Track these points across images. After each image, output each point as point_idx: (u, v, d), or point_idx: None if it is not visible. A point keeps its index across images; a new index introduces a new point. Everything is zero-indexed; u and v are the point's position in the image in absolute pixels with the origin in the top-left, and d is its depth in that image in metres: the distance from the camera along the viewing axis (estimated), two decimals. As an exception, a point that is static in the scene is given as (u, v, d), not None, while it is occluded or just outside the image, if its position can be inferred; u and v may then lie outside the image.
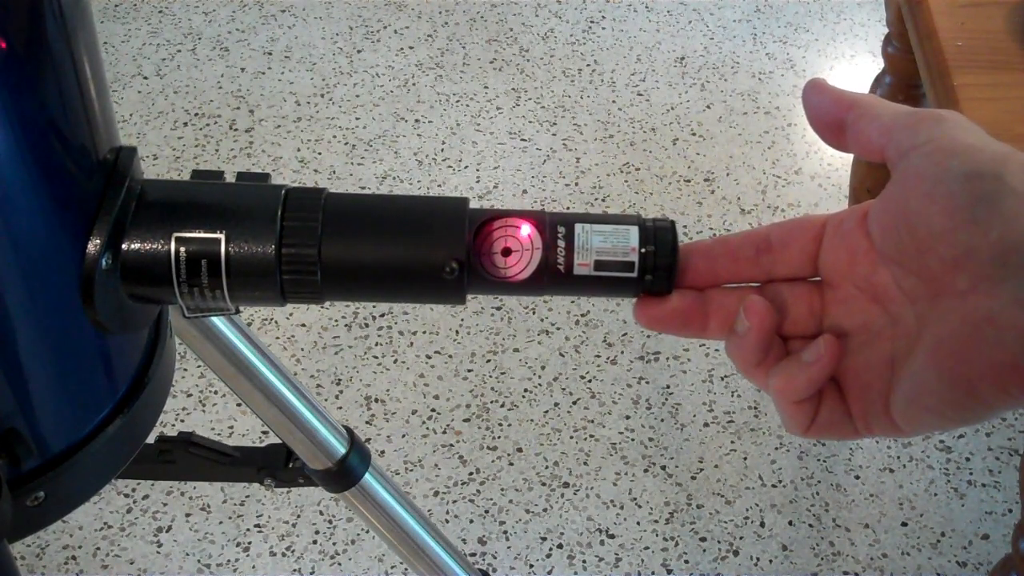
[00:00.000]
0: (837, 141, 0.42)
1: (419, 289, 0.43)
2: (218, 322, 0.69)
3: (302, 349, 1.60)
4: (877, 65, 1.36)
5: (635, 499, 1.43)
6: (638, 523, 1.40)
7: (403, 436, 1.49)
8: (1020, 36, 1.03)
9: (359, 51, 2.12)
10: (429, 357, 1.59)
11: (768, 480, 1.45)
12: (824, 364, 0.40)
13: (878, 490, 1.44)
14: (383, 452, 1.47)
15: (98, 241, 0.39)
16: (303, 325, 1.63)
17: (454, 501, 1.42)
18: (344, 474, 0.80)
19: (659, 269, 0.43)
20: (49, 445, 0.42)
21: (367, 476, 0.81)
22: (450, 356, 1.59)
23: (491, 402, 1.53)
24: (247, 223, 0.41)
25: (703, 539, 1.39)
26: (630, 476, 1.45)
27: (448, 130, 1.95)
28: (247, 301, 0.42)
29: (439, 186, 1.85)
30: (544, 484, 1.44)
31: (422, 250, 0.42)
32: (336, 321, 1.63)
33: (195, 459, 0.79)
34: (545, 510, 1.42)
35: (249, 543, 1.38)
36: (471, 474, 1.45)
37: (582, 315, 1.64)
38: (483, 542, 1.39)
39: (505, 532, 1.39)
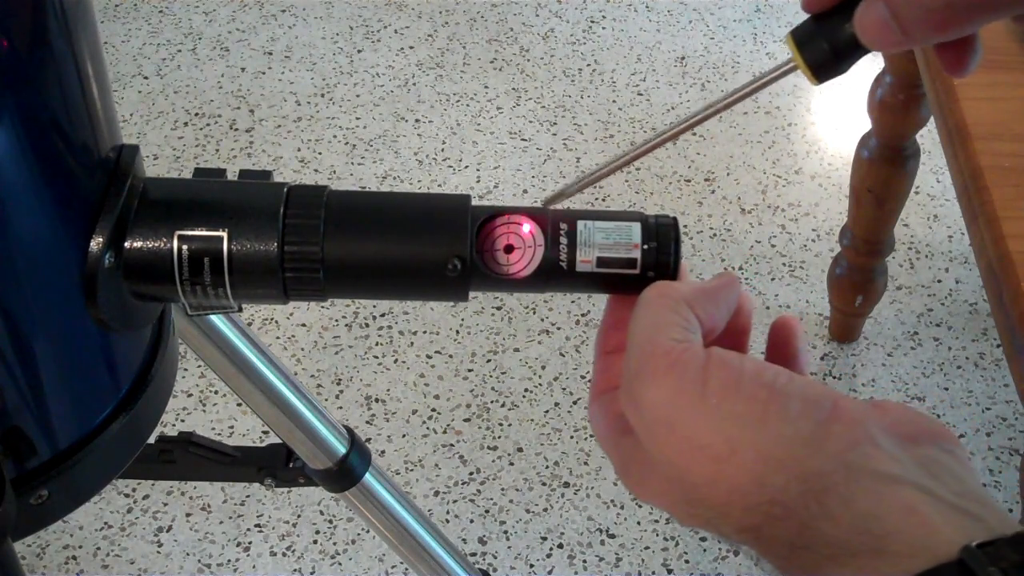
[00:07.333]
0: None
1: (422, 286, 0.43)
2: (219, 322, 0.69)
3: (302, 349, 1.60)
4: (877, 65, 1.36)
5: (635, 499, 1.43)
6: (638, 523, 1.40)
7: (403, 436, 1.49)
8: (1020, 36, 1.03)
9: (359, 51, 2.12)
10: (429, 357, 1.59)
11: (768, 480, 1.45)
12: None
13: (878, 490, 1.44)
14: (383, 452, 1.47)
15: (101, 239, 0.39)
16: (303, 325, 1.63)
17: (454, 501, 1.42)
18: (344, 474, 0.80)
19: (661, 266, 0.43)
20: (52, 444, 0.42)
21: (367, 476, 0.81)
22: (450, 356, 1.59)
23: (491, 402, 1.53)
24: (250, 221, 0.41)
25: (703, 539, 1.39)
26: (630, 476, 1.45)
27: (448, 130, 1.95)
28: (250, 299, 0.42)
29: (439, 186, 1.85)
30: (544, 484, 1.44)
31: (425, 247, 0.42)
32: (336, 321, 1.63)
33: (195, 459, 0.79)
34: (545, 510, 1.42)
35: (249, 543, 1.38)
36: (471, 474, 1.45)
37: (582, 315, 1.64)
38: (483, 542, 1.39)
39: (505, 532, 1.39)
